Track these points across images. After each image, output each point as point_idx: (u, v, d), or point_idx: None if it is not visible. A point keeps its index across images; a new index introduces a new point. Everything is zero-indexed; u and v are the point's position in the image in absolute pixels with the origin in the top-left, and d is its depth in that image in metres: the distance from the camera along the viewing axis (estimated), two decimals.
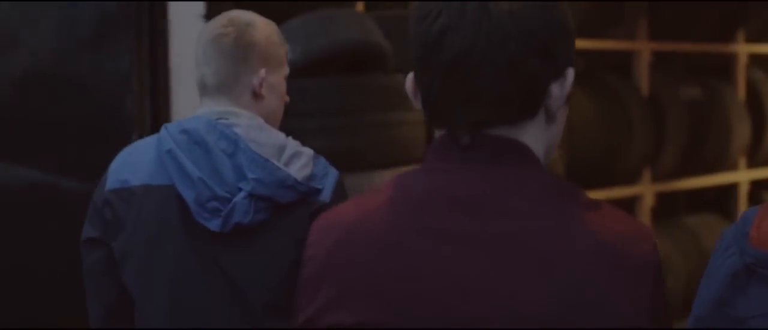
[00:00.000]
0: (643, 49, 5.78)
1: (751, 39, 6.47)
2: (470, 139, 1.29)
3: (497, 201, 1.26)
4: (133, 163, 2.18)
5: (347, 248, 1.30)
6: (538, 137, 1.32)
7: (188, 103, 3.54)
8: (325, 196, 2.15)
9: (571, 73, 1.31)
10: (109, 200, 2.16)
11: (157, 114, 3.48)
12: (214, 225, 2.07)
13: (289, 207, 2.11)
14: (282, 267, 2.09)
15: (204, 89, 2.23)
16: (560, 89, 1.30)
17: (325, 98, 3.18)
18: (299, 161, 2.13)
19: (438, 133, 1.34)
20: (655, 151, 5.76)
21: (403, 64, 3.77)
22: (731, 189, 6.45)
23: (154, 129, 3.48)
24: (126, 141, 3.40)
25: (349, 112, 3.50)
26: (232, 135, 2.10)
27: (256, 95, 2.20)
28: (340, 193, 2.18)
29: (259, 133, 2.14)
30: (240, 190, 2.07)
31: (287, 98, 2.31)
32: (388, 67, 3.75)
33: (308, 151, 2.17)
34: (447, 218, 1.27)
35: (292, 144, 2.17)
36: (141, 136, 3.43)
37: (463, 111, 1.28)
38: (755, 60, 6.66)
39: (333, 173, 2.20)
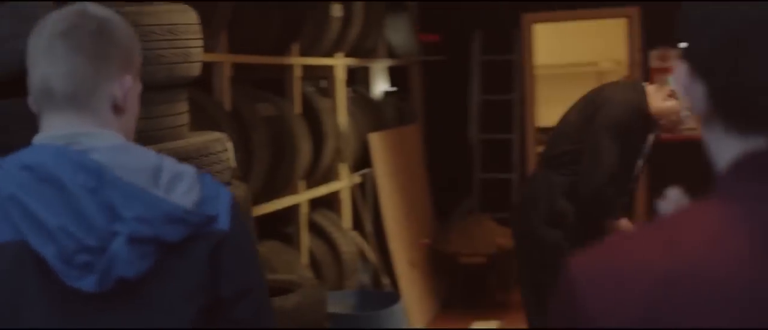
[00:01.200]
0: (225, 61, 5.21)
1: (304, 52, 6.21)
2: None
3: None
4: None
5: (683, 301, 1.02)
6: None
7: None
8: (223, 223, 1.75)
9: None
10: None
11: None
12: (88, 284, 1.64)
13: (179, 245, 1.69)
14: (184, 321, 1.70)
15: (48, 99, 1.74)
16: None
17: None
18: (182, 185, 1.71)
19: (716, 143, 1.05)
20: (243, 175, 5.23)
21: None
22: (293, 211, 6.09)
23: None
24: None
25: None
26: (91, 164, 1.66)
27: (117, 109, 1.77)
28: (238, 218, 1.79)
29: (126, 156, 1.71)
30: (115, 234, 1.64)
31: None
32: None
33: (189, 170, 1.76)
34: None
35: (169, 163, 1.74)
36: None
37: None
38: (306, 73, 6.41)
39: (225, 194, 1.79)
